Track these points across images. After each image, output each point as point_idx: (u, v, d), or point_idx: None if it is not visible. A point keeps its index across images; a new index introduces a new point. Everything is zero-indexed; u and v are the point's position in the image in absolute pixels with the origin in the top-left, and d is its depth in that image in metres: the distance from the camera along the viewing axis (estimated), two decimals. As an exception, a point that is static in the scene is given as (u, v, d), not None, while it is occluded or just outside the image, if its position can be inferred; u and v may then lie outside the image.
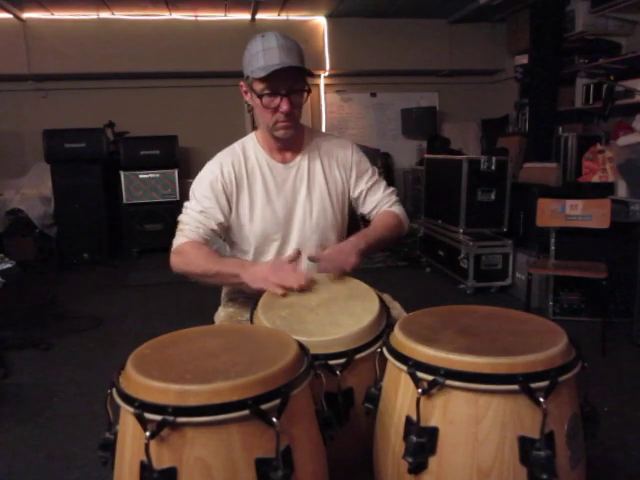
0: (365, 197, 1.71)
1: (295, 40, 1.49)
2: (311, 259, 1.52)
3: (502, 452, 0.93)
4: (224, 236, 1.68)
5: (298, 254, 1.52)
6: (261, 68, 1.42)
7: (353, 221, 1.78)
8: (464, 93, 6.52)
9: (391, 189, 1.76)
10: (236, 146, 1.65)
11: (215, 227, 1.56)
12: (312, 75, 1.49)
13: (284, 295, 1.33)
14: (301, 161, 1.63)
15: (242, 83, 1.54)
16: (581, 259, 3.00)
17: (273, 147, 1.62)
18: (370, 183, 1.71)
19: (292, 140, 1.60)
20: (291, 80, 1.45)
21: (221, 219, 1.56)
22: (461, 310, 1.22)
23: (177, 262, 1.51)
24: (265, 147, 1.62)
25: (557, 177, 3.91)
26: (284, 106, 1.46)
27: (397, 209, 1.73)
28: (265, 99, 1.47)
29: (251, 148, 1.63)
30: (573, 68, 4.65)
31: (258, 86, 1.46)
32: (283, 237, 1.61)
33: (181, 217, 1.58)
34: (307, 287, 1.36)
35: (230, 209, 1.59)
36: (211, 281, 1.48)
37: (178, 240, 1.53)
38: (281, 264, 1.44)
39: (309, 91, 1.51)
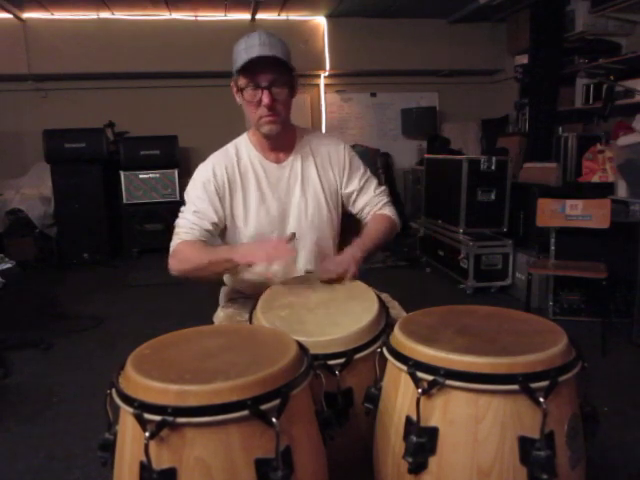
0: (357, 197, 1.71)
1: (281, 39, 1.49)
2: (309, 272, 1.56)
3: (502, 452, 0.93)
4: (219, 236, 1.68)
5: (293, 236, 1.54)
6: (242, 62, 1.43)
7: (346, 217, 1.77)
8: (464, 93, 6.51)
9: (382, 188, 1.76)
10: (229, 147, 1.66)
11: (209, 227, 1.56)
12: (292, 68, 1.49)
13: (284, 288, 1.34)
14: (294, 161, 1.64)
15: (232, 84, 1.54)
16: (581, 259, 3.00)
17: (265, 147, 1.63)
18: (362, 182, 1.71)
19: (283, 139, 1.60)
20: (273, 74, 1.46)
21: (215, 219, 1.57)
22: (461, 310, 1.22)
23: (173, 263, 1.52)
24: (258, 147, 1.63)
25: (557, 177, 3.90)
26: (265, 99, 1.46)
27: (388, 211, 1.73)
28: (247, 93, 1.48)
29: (244, 149, 1.64)
30: (573, 68, 4.64)
31: (242, 81, 1.48)
32: (279, 236, 1.61)
33: (177, 221, 1.59)
34: (293, 253, 1.50)
35: (223, 210, 1.59)
36: (206, 273, 1.48)
37: (174, 243, 1.54)
38: (268, 239, 1.52)
39: (292, 87, 1.51)
